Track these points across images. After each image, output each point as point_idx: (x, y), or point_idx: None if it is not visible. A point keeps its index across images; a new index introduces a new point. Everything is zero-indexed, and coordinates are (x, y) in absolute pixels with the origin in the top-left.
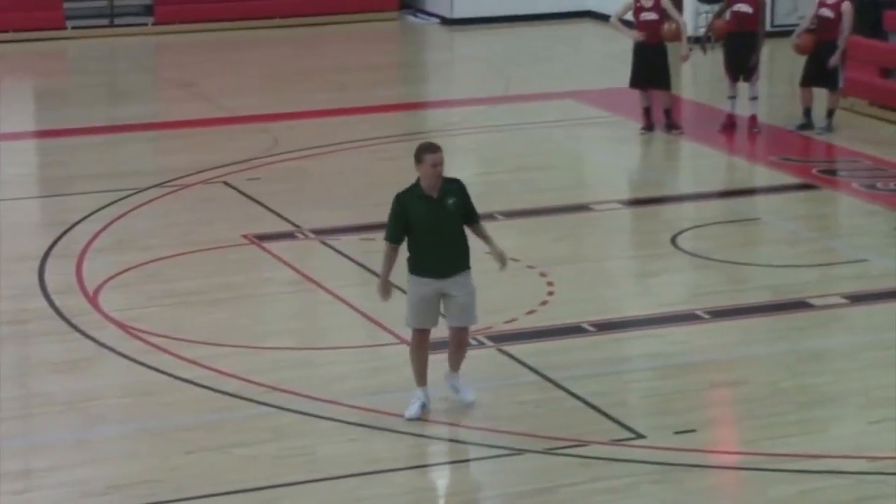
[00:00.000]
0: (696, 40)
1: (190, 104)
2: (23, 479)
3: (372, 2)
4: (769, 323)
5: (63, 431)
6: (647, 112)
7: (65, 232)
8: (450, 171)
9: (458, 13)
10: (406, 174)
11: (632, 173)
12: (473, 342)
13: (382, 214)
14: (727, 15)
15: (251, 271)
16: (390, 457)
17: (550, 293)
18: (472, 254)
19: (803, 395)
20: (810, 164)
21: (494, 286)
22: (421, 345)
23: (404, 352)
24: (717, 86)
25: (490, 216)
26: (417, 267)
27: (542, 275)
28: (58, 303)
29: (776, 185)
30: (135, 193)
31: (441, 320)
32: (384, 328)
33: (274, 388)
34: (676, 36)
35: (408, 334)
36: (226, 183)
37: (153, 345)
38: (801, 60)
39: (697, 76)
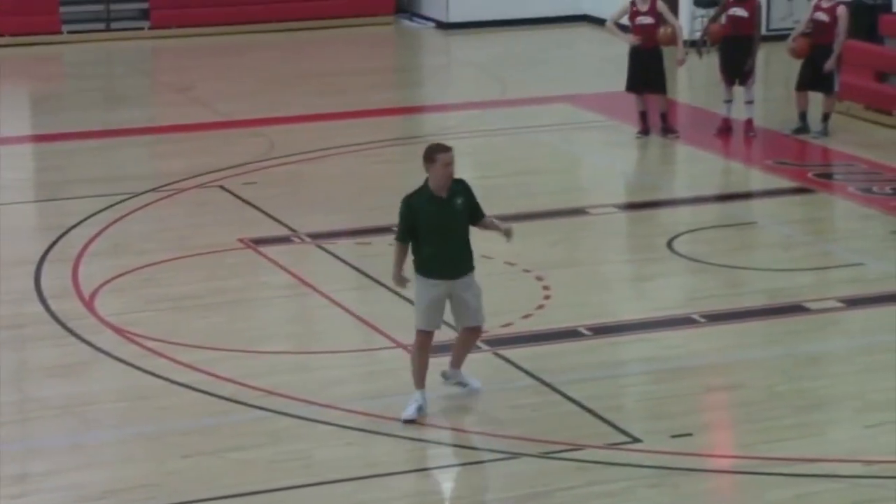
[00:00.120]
0: (692, 44)
1: (186, 108)
2: (19, 483)
3: (368, 6)
4: (765, 327)
5: (59, 436)
6: (643, 116)
7: (61, 236)
8: None
9: (454, 17)
10: (402, 178)
11: (628, 177)
12: None
13: (378, 218)
14: (723, 19)
15: (247, 275)
16: (387, 461)
17: (546, 297)
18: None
19: (799, 398)
20: (806, 168)
21: (490, 290)
22: (425, 347)
23: (400, 356)
24: (712, 90)
25: None
26: (427, 268)
27: (539, 279)
28: (54, 307)
29: (772, 188)
30: (131, 197)
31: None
32: (380, 332)
33: (270, 392)
34: (672, 40)
35: (404, 338)
36: (222, 187)
37: (149, 349)
38: (797, 64)
39: (693, 80)
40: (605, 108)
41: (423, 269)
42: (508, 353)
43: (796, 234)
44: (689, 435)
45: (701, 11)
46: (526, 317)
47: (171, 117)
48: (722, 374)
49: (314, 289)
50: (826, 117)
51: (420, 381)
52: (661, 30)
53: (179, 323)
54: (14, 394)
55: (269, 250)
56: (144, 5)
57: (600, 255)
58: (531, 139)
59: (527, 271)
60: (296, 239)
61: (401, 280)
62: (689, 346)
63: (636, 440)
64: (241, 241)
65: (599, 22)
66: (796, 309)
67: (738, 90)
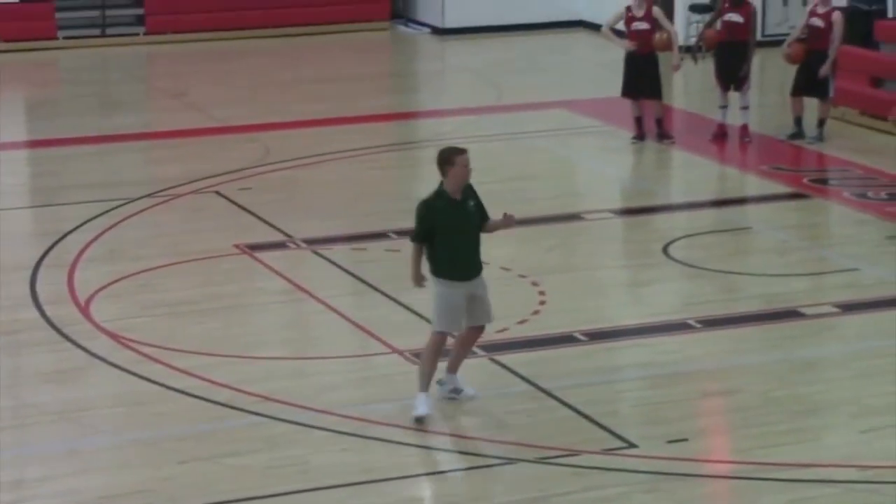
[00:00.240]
0: (688, 50)
1: (181, 114)
2: (15, 489)
3: (363, 11)
4: (761, 332)
5: (55, 442)
6: (639, 121)
7: (57, 241)
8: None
9: (450, 23)
10: (397, 183)
11: (623, 183)
12: None
13: (374, 224)
14: (718, 24)
15: (243, 281)
16: (382, 466)
17: (542, 302)
18: None
19: (795, 404)
20: (801, 174)
21: None
22: (439, 350)
23: (396, 361)
24: (708, 95)
25: None
26: (446, 271)
27: (534, 284)
28: (49, 313)
29: (767, 194)
30: (126, 203)
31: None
32: (376, 337)
33: (266, 398)
34: (668, 45)
35: (399, 344)
36: (217, 193)
37: (145, 355)
38: (792, 70)
39: (689, 86)
40: (601, 114)
41: (444, 271)
42: (504, 358)
43: (792, 240)
44: (685, 440)
45: (696, 17)
46: (521, 322)
47: (166, 123)
48: (718, 379)
49: (310, 294)
50: (821, 123)
51: (427, 384)
52: (657, 35)
53: (175, 329)
54: (10, 400)
55: (265, 256)
56: (140, 11)
57: (596, 261)
58: (527, 145)
59: (522, 276)
60: (291, 244)
61: (419, 279)
62: (684, 352)
63: (632, 445)
64: (236, 246)
65: (595, 27)
66: (792, 314)
67: (734, 96)
